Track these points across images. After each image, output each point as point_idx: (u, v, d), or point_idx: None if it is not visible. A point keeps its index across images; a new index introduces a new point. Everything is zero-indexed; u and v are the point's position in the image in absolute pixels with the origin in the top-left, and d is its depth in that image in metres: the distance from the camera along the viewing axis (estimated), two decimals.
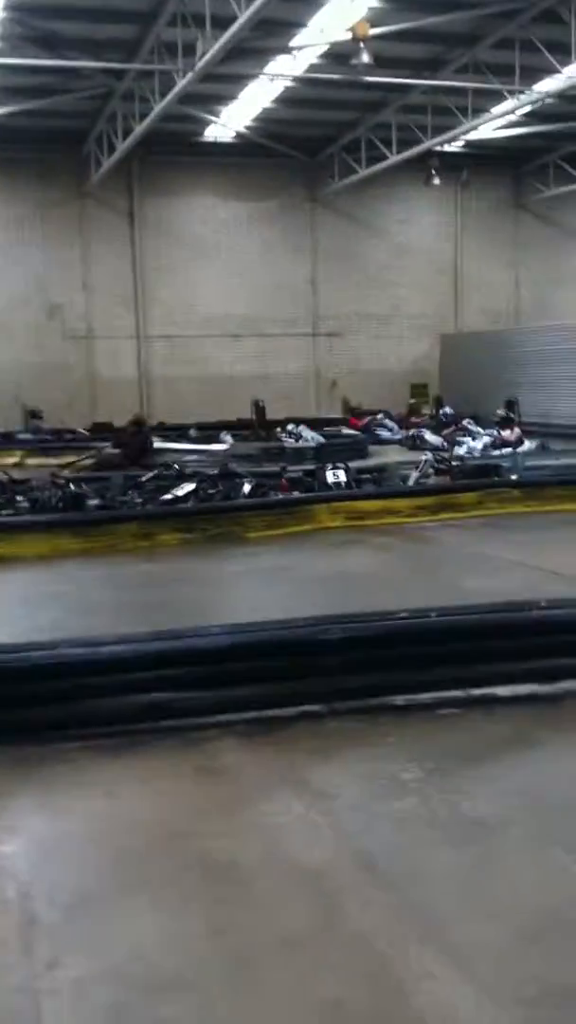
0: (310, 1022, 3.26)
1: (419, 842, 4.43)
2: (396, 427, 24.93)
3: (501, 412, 22.06)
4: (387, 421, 25.55)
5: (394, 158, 24.83)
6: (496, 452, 18.34)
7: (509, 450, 18.25)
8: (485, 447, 18.95)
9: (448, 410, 25.67)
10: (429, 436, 22.60)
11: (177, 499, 13.07)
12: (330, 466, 14.34)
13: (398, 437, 23.48)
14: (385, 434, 24.15)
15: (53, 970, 3.53)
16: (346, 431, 24.08)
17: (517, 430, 20.12)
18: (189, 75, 18.08)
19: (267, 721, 5.79)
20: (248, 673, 6.01)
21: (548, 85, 20.60)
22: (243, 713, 5.84)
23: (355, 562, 10.96)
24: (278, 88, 22.56)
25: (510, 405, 22.35)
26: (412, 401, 27.54)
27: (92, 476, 15.49)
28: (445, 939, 3.65)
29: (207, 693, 5.91)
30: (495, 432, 20.22)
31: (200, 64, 17.38)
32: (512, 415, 21.69)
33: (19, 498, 13.20)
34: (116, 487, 13.82)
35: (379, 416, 25.92)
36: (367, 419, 25.72)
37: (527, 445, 19.02)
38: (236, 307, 28.54)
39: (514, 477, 14.55)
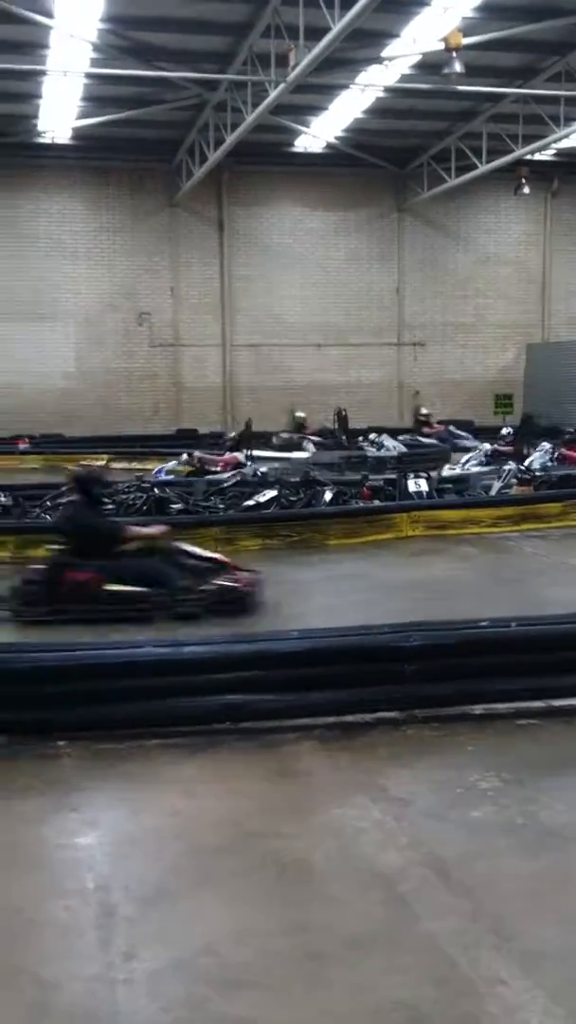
0: (379, 1022, 3.28)
1: (494, 850, 4.43)
2: (472, 436, 24.57)
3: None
4: (460, 432, 25.31)
5: (484, 167, 24.66)
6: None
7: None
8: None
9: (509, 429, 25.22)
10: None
11: (259, 505, 13.15)
12: (412, 475, 14.30)
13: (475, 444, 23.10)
14: (465, 443, 23.70)
15: (130, 961, 3.61)
16: (426, 440, 23.97)
17: None
18: (281, 86, 18.18)
19: (345, 726, 5.82)
20: (326, 678, 6.04)
21: None
22: (321, 718, 5.88)
23: (436, 571, 10.94)
24: (369, 98, 22.58)
25: None
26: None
27: (175, 480, 15.65)
28: (516, 945, 3.65)
29: (285, 696, 5.96)
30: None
31: (293, 75, 17.47)
32: None
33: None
34: (199, 491, 13.96)
35: (449, 427, 25.76)
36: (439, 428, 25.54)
37: None
38: (321, 316, 28.59)
39: None
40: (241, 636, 6.41)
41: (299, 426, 26.63)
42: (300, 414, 27.25)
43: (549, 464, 16.79)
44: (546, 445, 18.05)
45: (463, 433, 24.93)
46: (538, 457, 17.01)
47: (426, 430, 25.38)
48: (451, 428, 25.41)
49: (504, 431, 23.04)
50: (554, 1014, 3.27)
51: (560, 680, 6.21)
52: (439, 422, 26.67)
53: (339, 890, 4.10)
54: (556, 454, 17.85)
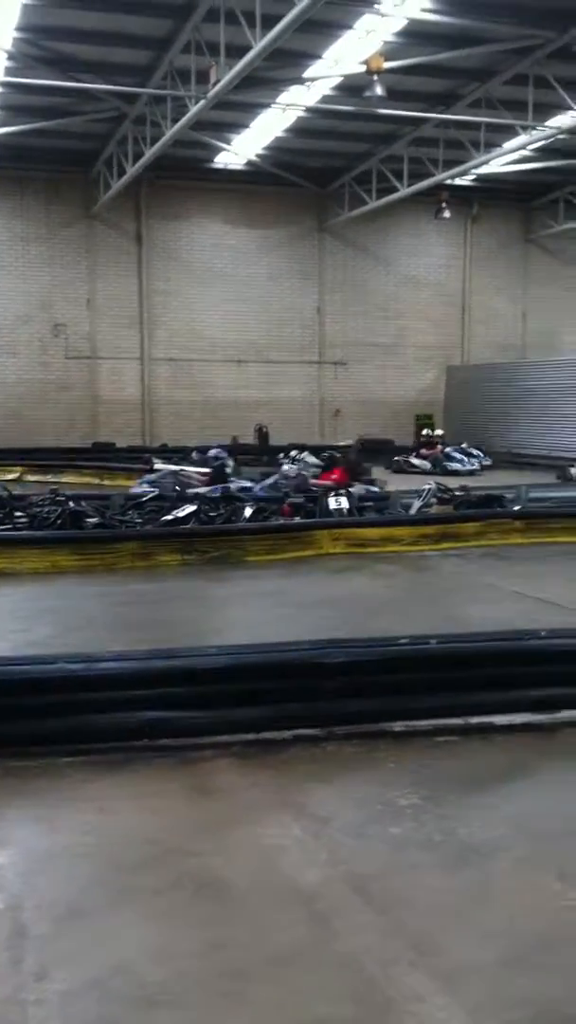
0: None
1: (413, 866, 4.41)
2: (465, 460, 24.27)
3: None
4: (454, 455, 24.70)
5: (404, 190, 24.97)
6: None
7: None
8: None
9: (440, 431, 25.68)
10: (415, 460, 23.65)
11: (177, 520, 13.05)
12: (333, 493, 14.32)
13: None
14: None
15: (41, 981, 3.51)
16: (416, 461, 24.12)
17: None
18: (201, 102, 18.19)
19: (264, 743, 5.77)
20: (246, 695, 5.98)
21: (561, 121, 20.72)
22: (240, 735, 5.82)
23: (356, 588, 10.96)
24: (290, 118, 22.71)
25: None
26: (425, 433, 26.89)
27: (91, 494, 15.47)
28: (436, 962, 3.63)
29: (203, 713, 5.88)
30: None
31: (213, 92, 17.49)
32: None
33: (18, 513, 13.18)
34: (116, 506, 13.81)
35: (445, 450, 25.20)
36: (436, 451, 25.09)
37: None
38: (242, 333, 28.65)
39: (516, 508, 14.53)
40: (159, 651, 6.31)
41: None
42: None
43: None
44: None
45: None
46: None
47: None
48: (447, 451, 24.92)
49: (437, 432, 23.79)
50: None
51: (478, 697, 6.24)
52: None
53: (258, 907, 4.04)
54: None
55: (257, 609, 9.84)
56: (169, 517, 13.14)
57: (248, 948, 3.74)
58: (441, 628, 8.03)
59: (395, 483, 18.04)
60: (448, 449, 24.85)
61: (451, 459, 24.07)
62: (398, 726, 6.02)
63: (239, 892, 4.16)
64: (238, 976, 3.55)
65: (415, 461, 23.99)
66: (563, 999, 3.45)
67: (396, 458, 24.36)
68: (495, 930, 3.87)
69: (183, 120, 19.33)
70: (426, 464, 23.56)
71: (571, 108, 19.44)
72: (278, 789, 5.20)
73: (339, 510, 13.88)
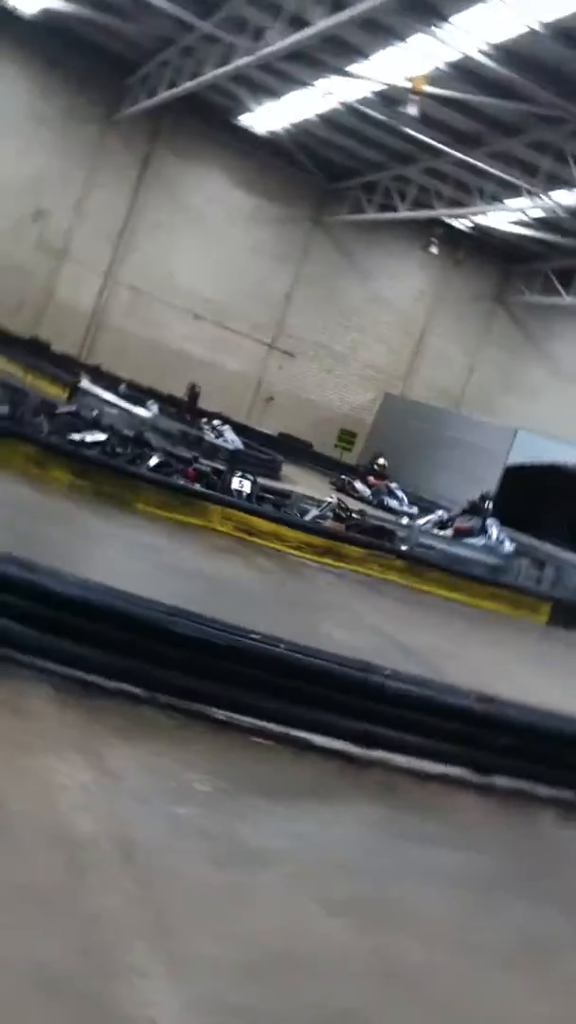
0: (6, 974, 3.22)
1: (186, 850, 4.43)
2: (405, 500, 23.12)
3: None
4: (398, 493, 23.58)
5: (402, 213, 25.12)
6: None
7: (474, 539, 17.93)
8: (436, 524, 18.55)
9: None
10: (359, 484, 23.02)
11: (84, 443, 12.91)
12: (239, 473, 14.32)
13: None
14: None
15: None
16: (366, 488, 23.34)
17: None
18: (249, 58, 18.07)
19: (86, 684, 5.73)
20: (90, 632, 5.93)
21: (565, 198, 21.02)
22: (70, 670, 5.76)
23: (230, 572, 10.96)
24: (324, 105, 22.66)
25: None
26: (381, 463, 25.41)
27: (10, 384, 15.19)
28: (172, 947, 3.65)
29: (41, 635, 5.80)
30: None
31: (263, 52, 17.41)
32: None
33: None
34: (30, 407, 13.58)
35: (390, 485, 24.12)
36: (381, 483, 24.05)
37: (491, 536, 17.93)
38: (209, 290, 28.43)
39: (403, 547, 14.69)
40: (22, 560, 6.17)
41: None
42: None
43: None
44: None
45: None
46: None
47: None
48: (390, 486, 23.89)
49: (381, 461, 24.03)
50: (184, 1019, 3.28)
51: (307, 713, 6.28)
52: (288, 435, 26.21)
53: (23, 838, 4.02)
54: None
55: (125, 556, 9.78)
56: (77, 437, 12.98)
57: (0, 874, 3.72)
58: (293, 635, 8.07)
59: (302, 486, 18.10)
60: (393, 485, 23.91)
61: (393, 495, 23.16)
62: (221, 714, 6.04)
63: (8, 816, 4.13)
64: None
65: (359, 486, 23.19)
66: (274, 1017, 3.49)
67: (343, 476, 23.87)
68: (238, 933, 3.90)
69: (228, 67, 19.18)
70: (367, 492, 22.92)
71: None
72: (84, 732, 5.17)
73: (240, 491, 13.88)
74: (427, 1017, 3.85)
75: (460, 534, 17.79)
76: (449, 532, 17.92)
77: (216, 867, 4.37)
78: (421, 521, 18.53)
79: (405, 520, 18.35)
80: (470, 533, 17.78)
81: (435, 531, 17.68)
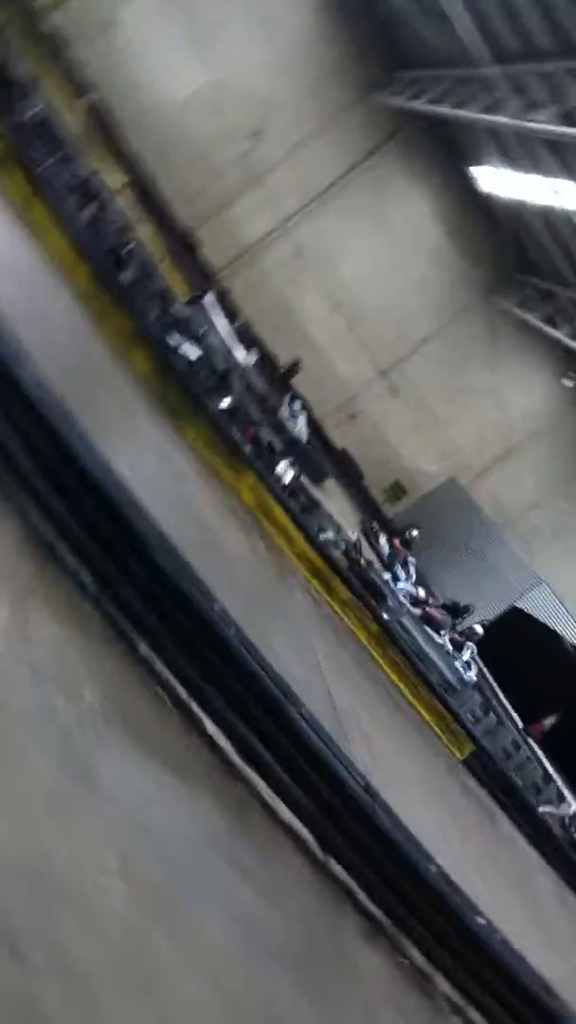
0: None
1: None
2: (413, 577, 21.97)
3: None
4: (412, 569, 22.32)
5: (562, 334, 24.94)
6: None
7: None
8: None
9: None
10: (383, 539, 22.57)
11: (176, 352, 12.84)
12: (289, 460, 14.21)
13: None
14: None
15: None
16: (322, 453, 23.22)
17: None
18: (511, 120, 18.43)
19: None
20: None
21: None
22: None
23: (227, 535, 10.77)
24: (549, 200, 22.27)
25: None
26: (415, 535, 24.57)
27: None
28: None
29: None
30: None
31: (525, 124, 17.67)
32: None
33: None
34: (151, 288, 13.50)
35: None
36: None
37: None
38: (359, 291, 28.06)
39: (386, 616, 14.53)
40: None
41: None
42: None
43: None
44: None
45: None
46: None
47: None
48: (409, 558, 22.79)
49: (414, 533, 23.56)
50: None
51: None
52: None
53: None
54: None
55: (156, 462, 9.61)
56: (172, 342, 12.85)
57: None
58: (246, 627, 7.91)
59: (333, 507, 17.99)
60: (411, 559, 22.83)
61: (404, 567, 21.73)
62: None
63: None
64: None
65: (382, 540, 22.51)
66: None
67: (374, 522, 23.44)
68: None
69: (490, 117, 19.32)
70: (385, 549, 22.10)
71: None
72: None
73: (280, 477, 13.78)
74: None
75: (426, 619, 17.68)
76: (417, 611, 17.79)
77: None
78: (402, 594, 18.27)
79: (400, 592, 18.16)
80: (435, 625, 17.74)
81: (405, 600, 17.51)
